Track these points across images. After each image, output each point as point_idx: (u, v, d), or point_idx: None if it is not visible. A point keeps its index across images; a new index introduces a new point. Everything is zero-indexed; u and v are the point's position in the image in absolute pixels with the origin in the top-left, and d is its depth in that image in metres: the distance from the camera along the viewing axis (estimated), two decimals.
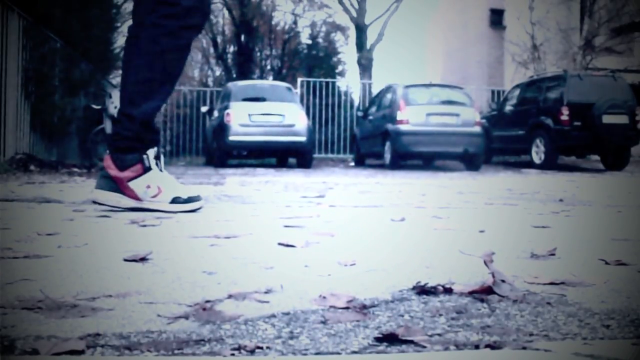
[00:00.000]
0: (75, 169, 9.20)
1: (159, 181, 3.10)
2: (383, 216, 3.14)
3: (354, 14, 25.67)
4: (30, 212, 3.15)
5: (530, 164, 14.87)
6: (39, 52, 10.39)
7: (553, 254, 1.92)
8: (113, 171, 3.08)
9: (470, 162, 14.22)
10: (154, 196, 3.09)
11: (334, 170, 13.28)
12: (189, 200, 3.13)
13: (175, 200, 3.09)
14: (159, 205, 3.11)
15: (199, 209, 3.20)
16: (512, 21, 27.61)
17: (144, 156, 3.11)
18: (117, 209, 3.17)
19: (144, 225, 2.61)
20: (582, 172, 13.22)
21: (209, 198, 4.63)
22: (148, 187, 3.07)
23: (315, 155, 18.91)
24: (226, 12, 30.16)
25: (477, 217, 3.24)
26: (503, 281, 1.42)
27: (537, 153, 14.77)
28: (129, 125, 3.09)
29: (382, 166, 14.76)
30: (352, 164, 17.63)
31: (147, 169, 3.10)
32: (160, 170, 3.17)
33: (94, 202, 3.21)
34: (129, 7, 20.55)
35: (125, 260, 1.76)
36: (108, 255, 1.84)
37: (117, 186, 3.09)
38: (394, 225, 2.74)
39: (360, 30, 25.68)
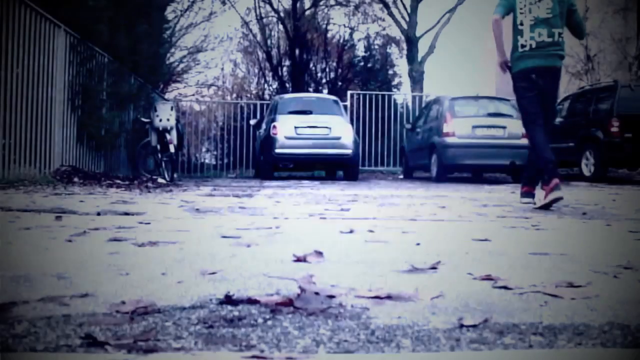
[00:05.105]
0: (118, 181, 9.33)
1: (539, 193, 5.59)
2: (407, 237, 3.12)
3: (405, 26, 25.56)
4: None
5: (580, 177, 14.58)
6: (85, 68, 10.61)
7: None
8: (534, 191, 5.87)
9: (517, 174, 13.99)
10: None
11: (378, 183, 13.22)
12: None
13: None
14: (540, 203, 5.49)
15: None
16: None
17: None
18: None
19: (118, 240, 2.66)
20: (633, 185, 12.91)
21: (222, 210, 4.61)
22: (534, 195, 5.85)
23: (367, 168, 18.75)
24: (280, 26, 30.24)
25: (476, 224, 3.21)
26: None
27: (587, 165, 14.45)
28: (553, 168, 5.34)
29: (429, 179, 14.65)
30: (401, 176, 17.55)
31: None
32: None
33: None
34: (183, 22, 20.81)
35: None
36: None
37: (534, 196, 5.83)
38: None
39: (411, 42, 25.53)
